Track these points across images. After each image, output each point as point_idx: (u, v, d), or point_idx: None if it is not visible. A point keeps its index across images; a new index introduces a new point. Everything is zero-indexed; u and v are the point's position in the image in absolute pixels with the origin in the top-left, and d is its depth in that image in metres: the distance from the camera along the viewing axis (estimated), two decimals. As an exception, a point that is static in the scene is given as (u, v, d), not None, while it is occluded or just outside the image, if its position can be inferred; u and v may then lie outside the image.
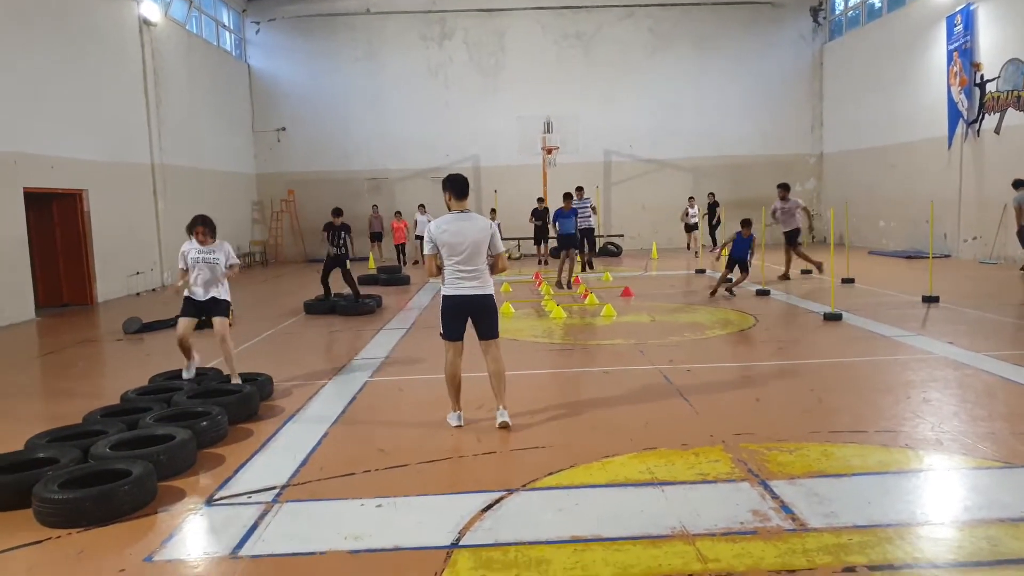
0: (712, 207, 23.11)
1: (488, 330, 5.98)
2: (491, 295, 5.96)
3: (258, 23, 25.57)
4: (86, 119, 15.56)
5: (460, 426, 6.03)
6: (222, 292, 7.40)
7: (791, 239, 15.29)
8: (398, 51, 25.61)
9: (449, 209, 5.91)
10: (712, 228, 23.08)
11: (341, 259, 12.74)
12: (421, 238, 22.63)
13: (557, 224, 15.44)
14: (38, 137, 13.92)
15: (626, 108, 25.58)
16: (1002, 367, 7.41)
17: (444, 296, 5.92)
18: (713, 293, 13.17)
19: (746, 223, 13.31)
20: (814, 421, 5.96)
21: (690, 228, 23.04)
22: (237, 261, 7.50)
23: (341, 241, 12.68)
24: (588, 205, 18.08)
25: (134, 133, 17.67)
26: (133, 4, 17.72)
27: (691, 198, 23.39)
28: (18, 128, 13.36)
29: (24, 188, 13.45)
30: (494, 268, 6.00)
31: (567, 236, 15.31)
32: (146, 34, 18.09)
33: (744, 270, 13.42)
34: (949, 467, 4.94)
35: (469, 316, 5.93)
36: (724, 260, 13.97)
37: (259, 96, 25.77)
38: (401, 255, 22.84)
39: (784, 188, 15.72)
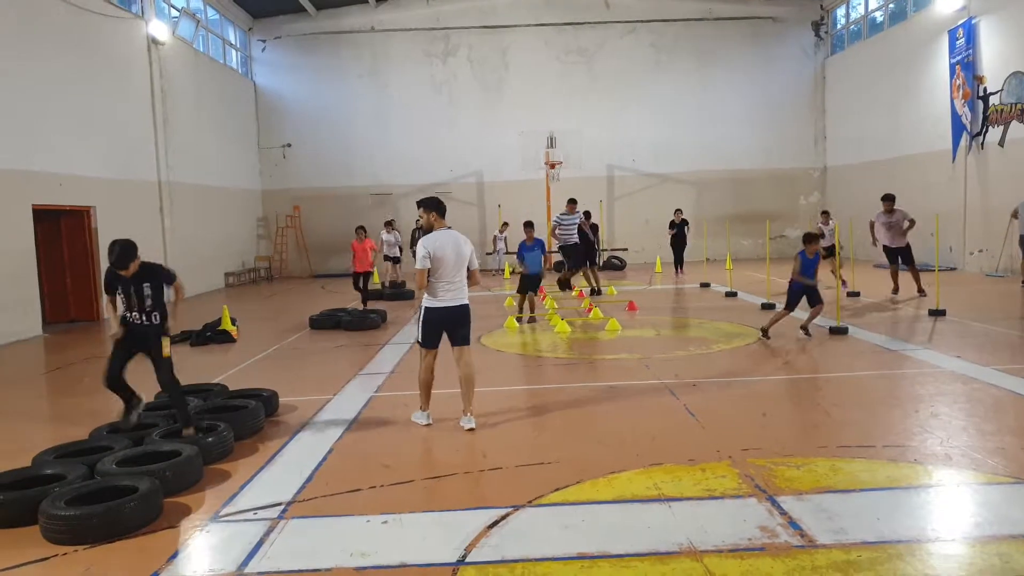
0: (680, 225, 20.71)
1: (464, 337, 6.50)
2: (469, 305, 6.50)
3: (264, 41, 25.75)
4: (95, 137, 15.66)
5: (429, 424, 6.52)
6: None
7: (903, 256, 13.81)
8: (402, 68, 25.75)
9: (431, 228, 6.38)
10: (678, 249, 20.68)
11: (151, 336, 6.28)
12: (389, 258, 19.00)
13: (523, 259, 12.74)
14: (47, 154, 14.01)
15: (629, 122, 25.65)
16: (1011, 381, 7.37)
17: (428, 308, 6.37)
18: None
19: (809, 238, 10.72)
20: (822, 436, 5.94)
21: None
22: None
23: (147, 301, 6.19)
24: (576, 221, 15.54)
25: (141, 151, 17.78)
26: (141, 23, 17.89)
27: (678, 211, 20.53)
28: (28, 146, 13.45)
29: (33, 205, 13.52)
30: (471, 281, 6.50)
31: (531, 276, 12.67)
32: (154, 53, 18.23)
33: None
34: (959, 482, 4.91)
35: (448, 325, 6.43)
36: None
37: (265, 113, 25.92)
38: (364, 287, 14.99)
39: (889, 199, 14.16)
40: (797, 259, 10.17)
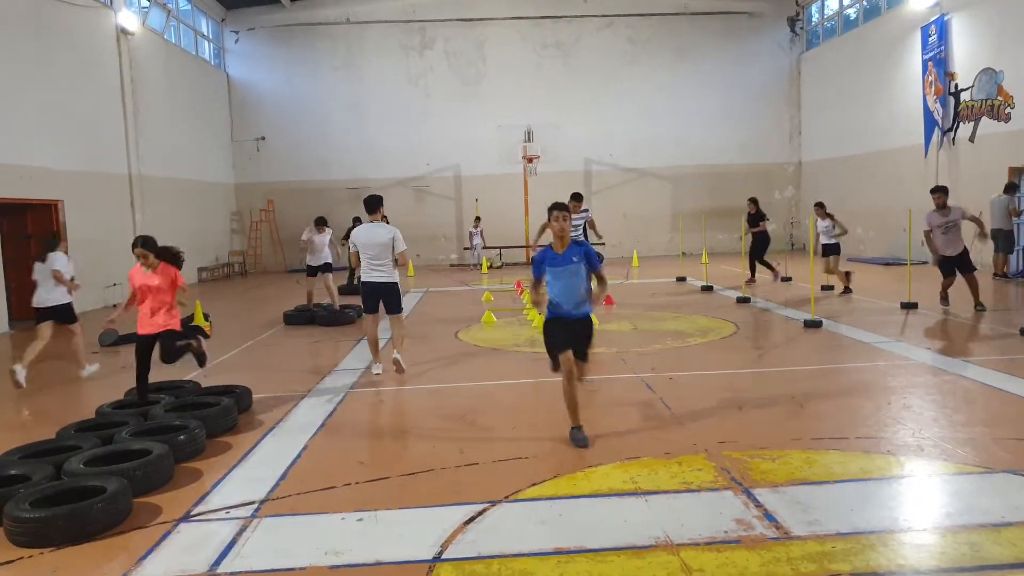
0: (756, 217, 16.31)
1: (393, 308, 8.28)
2: (395, 283, 8.17)
3: (237, 32, 25.44)
4: (62, 129, 15.38)
5: (379, 374, 8.29)
6: None
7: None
8: (378, 60, 25.57)
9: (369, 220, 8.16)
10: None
11: None
12: (316, 268, 13.44)
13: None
14: (12, 147, 13.73)
15: (606, 117, 25.66)
16: (980, 372, 7.47)
17: (362, 282, 8.22)
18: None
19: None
20: (796, 428, 5.96)
21: (828, 250, 14.30)
22: None
23: None
24: (583, 220, 12.65)
25: (111, 143, 17.49)
26: (110, 13, 17.58)
27: (820, 205, 14.78)
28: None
29: (-3, 199, 13.27)
30: (397, 263, 8.12)
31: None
32: (123, 43, 17.93)
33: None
34: (930, 473, 4.96)
35: (380, 297, 8.14)
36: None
37: (238, 105, 25.62)
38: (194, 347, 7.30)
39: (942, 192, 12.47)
40: None
